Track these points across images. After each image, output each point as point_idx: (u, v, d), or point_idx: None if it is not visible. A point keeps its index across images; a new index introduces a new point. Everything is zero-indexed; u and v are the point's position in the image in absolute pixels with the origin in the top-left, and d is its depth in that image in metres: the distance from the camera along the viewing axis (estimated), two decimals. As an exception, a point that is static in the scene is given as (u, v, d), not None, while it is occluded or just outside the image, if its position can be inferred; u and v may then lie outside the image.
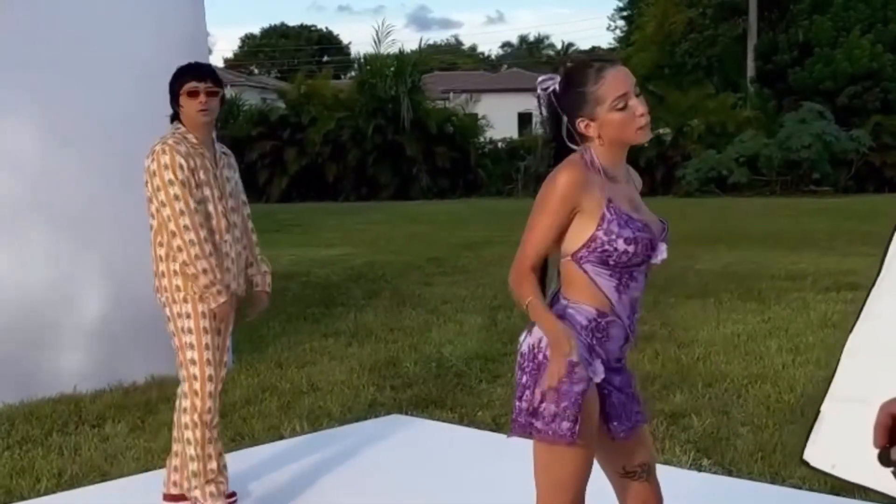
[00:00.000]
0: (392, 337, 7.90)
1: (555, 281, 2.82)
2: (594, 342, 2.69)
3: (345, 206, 24.08)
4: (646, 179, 23.76)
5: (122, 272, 6.43)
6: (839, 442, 2.92)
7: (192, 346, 3.99)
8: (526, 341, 2.74)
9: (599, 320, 2.69)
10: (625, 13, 48.05)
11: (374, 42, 29.41)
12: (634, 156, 19.55)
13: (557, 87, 2.77)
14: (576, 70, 2.80)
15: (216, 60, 70.61)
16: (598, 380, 2.69)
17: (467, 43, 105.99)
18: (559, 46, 72.35)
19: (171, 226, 3.88)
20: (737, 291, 9.88)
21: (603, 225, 2.65)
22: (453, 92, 37.78)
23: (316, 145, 26.43)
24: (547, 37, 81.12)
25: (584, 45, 68.68)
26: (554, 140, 2.80)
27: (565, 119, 2.75)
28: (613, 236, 2.64)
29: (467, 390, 6.24)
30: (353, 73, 32.13)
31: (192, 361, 4.01)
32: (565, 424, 2.62)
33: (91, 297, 6.39)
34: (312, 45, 68.70)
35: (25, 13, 6.17)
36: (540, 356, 2.68)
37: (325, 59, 62.17)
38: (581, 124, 2.71)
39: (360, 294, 10.10)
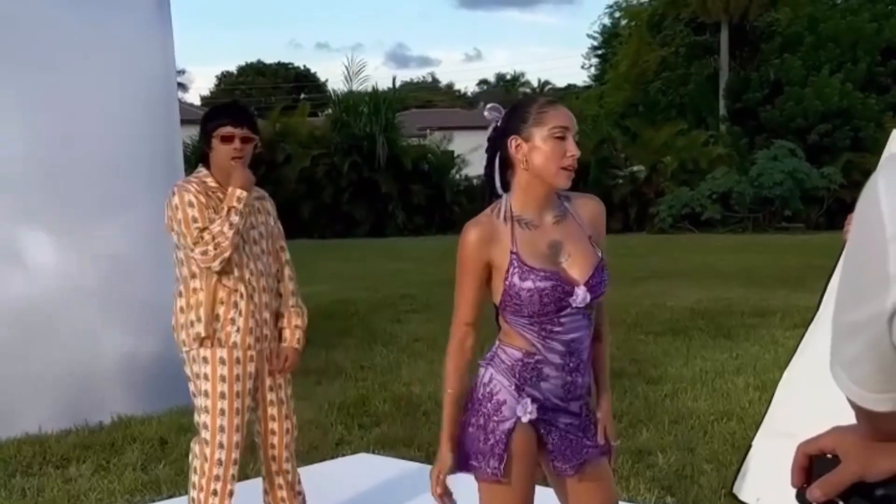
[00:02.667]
0: (362, 375, 7.90)
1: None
2: (523, 382, 2.72)
3: (320, 244, 24.02)
4: (620, 216, 23.98)
5: (89, 310, 6.41)
6: (766, 476, 2.94)
7: (206, 394, 3.83)
8: (477, 372, 2.78)
9: (527, 360, 2.72)
10: (599, 52, 48.48)
11: (346, 79, 29.50)
12: (609, 193, 19.60)
13: (500, 120, 2.79)
14: (526, 97, 2.85)
15: (193, 98, 70.62)
16: (526, 419, 2.71)
17: (445, 80, 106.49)
18: (535, 84, 72.88)
19: (181, 252, 3.81)
20: (707, 328, 9.93)
21: (508, 277, 2.68)
22: (430, 129, 37.88)
23: (291, 183, 26.42)
24: (522, 74, 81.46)
25: (560, 83, 69.05)
26: (487, 183, 2.82)
27: (497, 159, 2.77)
28: (516, 289, 2.67)
29: (436, 429, 6.20)
30: (329, 111, 32.09)
31: (206, 409, 3.84)
32: (492, 462, 2.70)
33: (58, 336, 6.35)
34: (289, 82, 68.83)
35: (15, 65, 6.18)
36: (477, 393, 2.73)
37: (303, 96, 62.20)
38: (513, 143, 2.72)
39: (332, 332, 10.07)
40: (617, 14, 44.47)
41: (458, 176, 30.25)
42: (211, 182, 3.86)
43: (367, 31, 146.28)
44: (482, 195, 2.85)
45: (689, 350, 8.76)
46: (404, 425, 6.32)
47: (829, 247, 18.68)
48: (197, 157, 4.00)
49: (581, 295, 2.72)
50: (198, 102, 63.71)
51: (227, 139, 3.84)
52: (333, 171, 27.49)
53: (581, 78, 79.94)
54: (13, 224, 6.19)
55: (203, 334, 3.82)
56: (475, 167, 32.00)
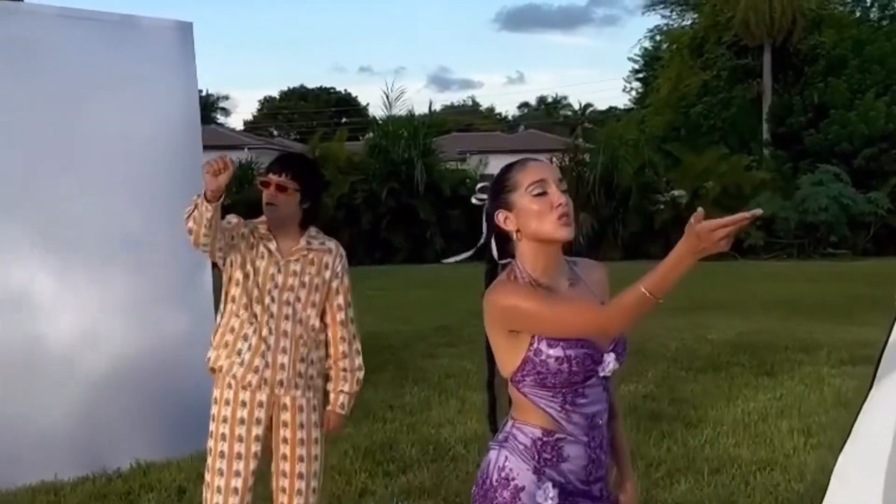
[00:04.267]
0: (391, 416, 7.67)
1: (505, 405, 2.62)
2: (543, 464, 2.46)
3: (358, 271, 23.78)
4: (661, 242, 23.65)
5: (107, 351, 6.25)
6: None
7: (211, 435, 3.78)
8: (487, 454, 2.54)
9: (546, 439, 2.46)
10: (640, 75, 48.21)
11: (385, 104, 29.44)
12: (650, 218, 19.37)
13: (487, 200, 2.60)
14: (502, 168, 2.62)
15: (236, 123, 71.35)
16: None
17: (487, 103, 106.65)
18: (576, 107, 72.67)
19: None
20: (749, 364, 9.61)
21: (533, 345, 2.43)
22: (469, 153, 37.80)
23: (329, 209, 26.33)
24: (565, 97, 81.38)
25: (601, 106, 68.89)
26: (485, 256, 2.60)
27: (493, 236, 2.56)
28: (543, 357, 2.42)
29: (463, 477, 5.97)
30: (370, 135, 32.09)
31: (209, 450, 3.79)
32: None
33: (75, 377, 6.18)
34: (331, 106, 69.18)
35: (16, 92, 6.04)
36: (491, 479, 2.48)
37: (344, 120, 62.50)
38: (500, 217, 2.51)
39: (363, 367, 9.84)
40: (658, 37, 44.25)
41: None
42: (263, 229, 3.82)
43: (409, 54, 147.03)
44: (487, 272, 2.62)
45: (731, 389, 8.45)
46: (431, 472, 6.08)
47: (877, 274, 18.41)
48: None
49: (611, 363, 2.49)
50: (240, 127, 64.40)
51: (264, 185, 3.78)
52: (372, 197, 27.39)
53: (622, 101, 79.66)
54: (24, 262, 6.02)
55: (210, 363, 3.83)
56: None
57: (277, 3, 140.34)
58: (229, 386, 3.77)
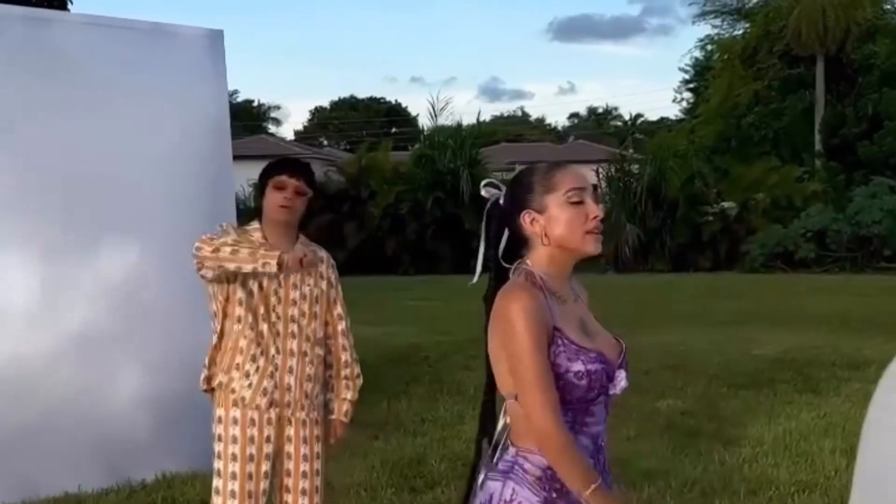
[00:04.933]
0: (422, 430, 7.54)
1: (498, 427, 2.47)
2: (553, 494, 2.31)
3: (402, 281, 23.83)
4: (709, 254, 23.32)
5: (131, 361, 6.19)
6: None
7: (218, 456, 3.67)
8: (487, 486, 2.39)
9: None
10: (691, 85, 47.78)
11: (431, 114, 29.38)
12: (698, 229, 19.07)
13: (503, 198, 2.46)
14: (525, 168, 2.49)
15: (287, 133, 71.79)
16: None
17: (537, 114, 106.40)
18: (627, 117, 72.24)
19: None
20: (793, 381, 9.36)
21: (550, 358, 2.28)
22: (518, 164, 37.65)
23: (375, 219, 26.32)
24: (615, 108, 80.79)
25: (652, 117, 68.41)
26: (492, 259, 2.47)
27: (506, 234, 2.43)
28: (562, 370, 2.27)
29: (491, 495, 5.83)
30: (417, 145, 32.08)
31: (217, 473, 3.67)
32: None
33: (100, 390, 6.12)
34: (381, 116, 69.36)
35: (46, 99, 6.01)
36: None
37: (394, 130, 62.66)
38: (526, 218, 2.36)
39: (399, 379, 9.76)
40: (709, 47, 43.81)
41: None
42: (258, 237, 3.69)
43: (461, 64, 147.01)
44: (493, 276, 2.49)
45: (773, 406, 8.21)
46: (458, 489, 5.93)
47: (931, 290, 17.75)
48: (258, 206, 3.84)
49: (623, 381, 2.37)
50: (291, 136, 64.78)
51: (279, 187, 3.68)
52: (417, 207, 27.32)
53: (673, 111, 79.05)
54: (47, 269, 5.98)
55: (205, 385, 3.73)
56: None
57: (331, 14, 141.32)
58: (235, 405, 3.67)
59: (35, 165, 5.94)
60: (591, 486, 2.20)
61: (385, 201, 26.64)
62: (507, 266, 2.45)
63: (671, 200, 26.97)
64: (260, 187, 3.77)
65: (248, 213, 27.20)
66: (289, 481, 3.78)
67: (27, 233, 5.91)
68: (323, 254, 3.87)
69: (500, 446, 2.45)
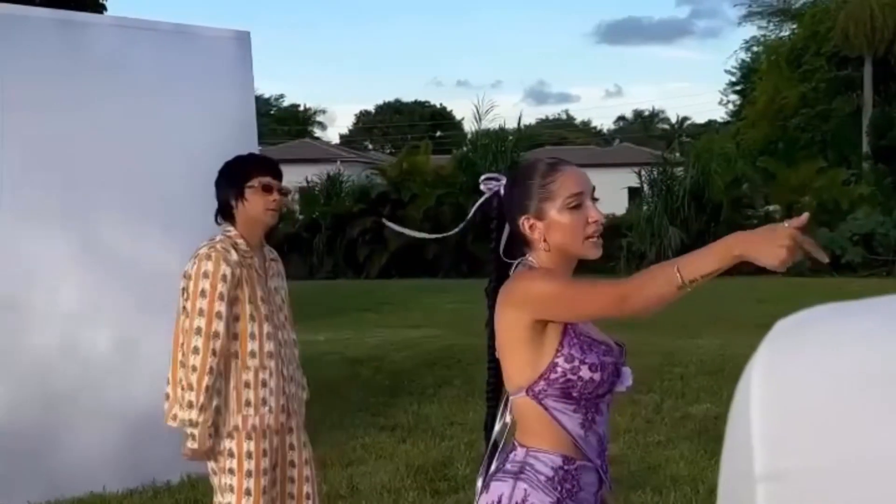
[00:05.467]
0: (450, 432, 7.49)
1: (499, 427, 2.43)
2: (564, 495, 2.27)
3: (443, 284, 23.76)
4: (752, 259, 23.15)
5: (157, 362, 6.19)
6: None
7: (230, 471, 3.54)
8: (493, 487, 2.35)
9: (567, 468, 2.27)
10: (737, 87, 47.33)
11: (475, 118, 29.31)
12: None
13: (503, 189, 2.43)
14: (525, 166, 2.47)
15: (332, 137, 72.12)
16: None
17: (584, 117, 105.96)
18: (674, 120, 71.70)
19: (182, 338, 3.47)
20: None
21: (563, 350, 2.24)
22: (561, 167, 37.49)
23: (416, 222, 26.29)
24: (662, 111, 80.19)
25: (699, 119, 67.86)
26: (493, 252, 2.44)
27: (506, 229, 2.40)
28: (577, 363, 2.24)
29: (515, 499, 5.78)
30: (464, 149, 32.00)
31: (230, 489, 3.55)
32: None
33: (125, 389, 6.15)
34: (425, 120, 69.46)
35: (72, 101, 6.05)
36: None
37: (438, 134, 62.71)
38: (525, 223, 2.34)
39: (431, 382, 9.72)
40: (755, 48, 43.38)
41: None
42: (243, 245, 3.56)
43: (507, 68, 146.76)
44: (494, 269, 2.47)
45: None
46: (483, 493, 5.89)
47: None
48: (222, 205, 3.67)
49: (629, 377, 2.35)
50: (336, 140, 65.06)
51: (266, 189, 3.58)
52: (458, 210, 27.26)
53: (719, 114, 78.25)
54: (77, 268, 6.01)
55: (236, 425, 3.54)
56: (603, 205, 31.48)
57: (378, 19, 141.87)
58: (249, 437, 3.56)
59: (62, 165, 5.98)
60: (675, 269, 2.06)
61: (426, 204, 26.60)
62: (508, 261, 2.43)
63: (715, 203, 26.68)
64: (235, 187, 3.59)
65: (286, 217, 27.32)
66: (293, 488, 3.72)
67: (59, 233, 5.94)
68: (274, 251, 3.83)
69: (502, 446, 2.42)
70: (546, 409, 2.28)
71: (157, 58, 6.32)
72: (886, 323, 0.61)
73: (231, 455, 3.54)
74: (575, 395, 2.25)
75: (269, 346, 3.57)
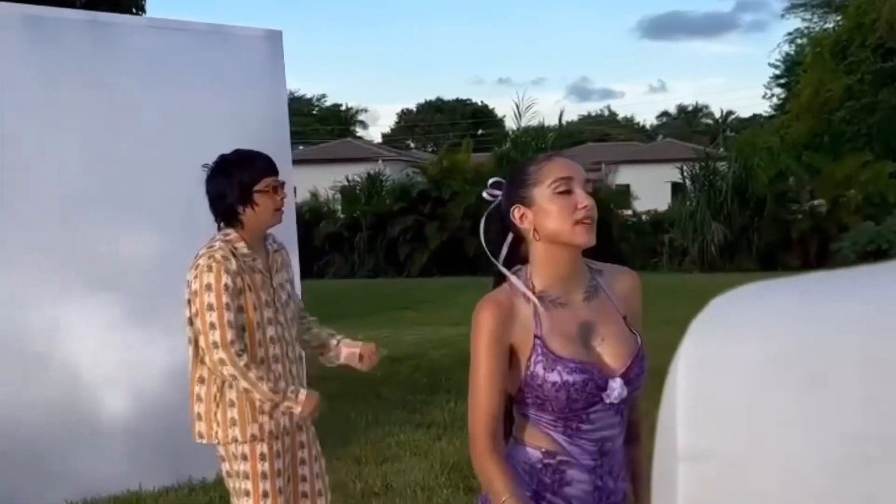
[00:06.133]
0: (486, 430, 7.47)
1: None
2: (542, 488, 2.25)
3: (483, 281, 23.66)
4: (798, 253, 22.71)
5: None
6: None
7: (247, 494, 3.54)
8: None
9: (547, 461, 2.26)
10: (781, 81, 46.85)
11: (515, 115, 29.25)
12: (787, 228, 18.54)
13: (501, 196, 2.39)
14: (521, 163, 2.43)
15: (375, 136, 72.37)
16: None
17: (627, 113, 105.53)
18: (717, 115, 71.09)
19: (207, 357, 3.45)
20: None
21: (529, 367, 2.23)
22: (604, 163, 37.40)
23: (456, 219, 26.31)
24: (706, 106, 79.62)
25: (744, 114, 67.26)
26: (492, 264, 2.41)
27: (509, 237, 2.36)
28: (539, 381, 2.22)
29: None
30: (505, 146, 31.93)
31: (245, 493, 3.54)
32: None
33: (161, 388, 6.18)
34: (466, 118, 69.48)
35: (104, 102, 6.10)
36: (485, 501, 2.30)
37: (480, 132, 62.68)
38: (515, 213, 2.30)
39: (468, 380, 9.67)
40: (799, 41, 42.89)
41: (627, 211, 29.60)
42: (243, 248, 3.50)
43: (549, 65, 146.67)
44: (495, 278, 2.43)
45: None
46: (517, 490, 5.86)
47: None
48: (226, 211, 3.57)
49: (617, 390, 2.27)
50: (378, 139, 65.27)
51: (275, 189, 3.55)
52: (499, 207, 27.25)
53: (763, 108, 77.41)
54: (115, 267, 6.06)
55: (253, 435, 3.51)
56: (645, 201, 31.28)
57: (420, 18, 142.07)
58: (262, 439, 3.55)
59: (92, 167, 6.02)
60: (503, 499, 2.17)
61: (466, 202, 26.57)
62: (504, 275, 2.39)
63: (759, 198, 26.43)
64: (241, 193, 3.51)
65: (328, 216, 27.41)
66: (305, 486, 3.72)
67: (98, 235, 6.00)
68: (279, 243, 3.79)
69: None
70: (527, 417, 2.29)
71: (189, 58, 6.35)
72: (800, 303, 0.59)
73: (244, 458, 3.53)
74: (548, 409, 2.24)
75: (274, 350, 3.56)
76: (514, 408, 2.32)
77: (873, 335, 0.55)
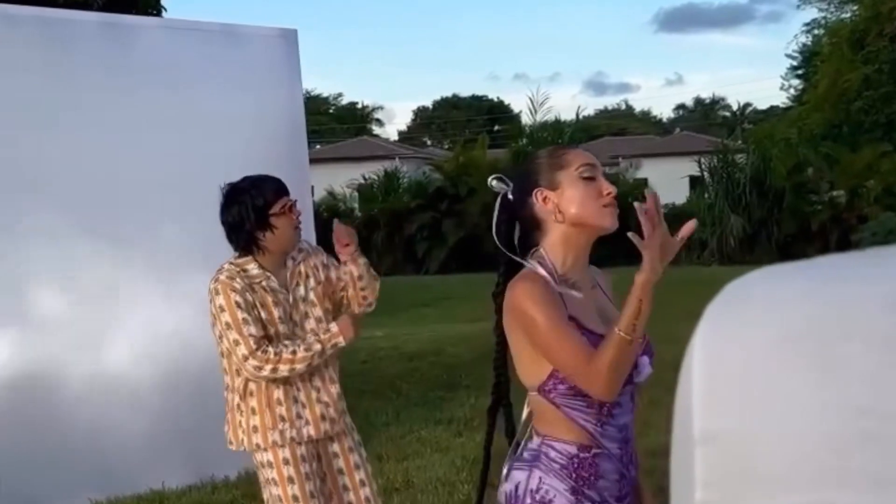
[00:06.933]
0: (507, 425, 7.47)
1: (523, 422, 2.42)
2: (580, 483, 2.25)
3: (502, 278, 23.78)
4: (818, 245, 22.60)
5: (213, 360, 6.25)
6: None
7: (279, 500, 3.55)
8: (512, 475, 2.34)
9: (583, 455, 2.26)
10: (799, 72, 46.64)
11: (530, 111, 29.22)
12: (806, 219, 18.40)
13: (510, 193, 2.39)
14: (529, 155, 2.46)
15: (390, 133, 72.47)
16: None
17: (644, 106, 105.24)
18: (735, 107, 70.80)
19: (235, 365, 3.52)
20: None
21: None
22: (621, 157, 37.32)
23: (473, 216, 26.30)
24: (723, 98, 79.31)
25: (761, 106, 66.94)
26: (501, 254, 2.41)
27: (518, 229, 2.36)
28: None
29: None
30: (521, 142, 31.90)
31: None
32: None
33: (183, 387, 6.22)
34: (482, 114, 69.45)
35: (118, 104, 6.13)
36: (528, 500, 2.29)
37: (497, 128, 62.64)
38: (538, 196, 2.30)
39: (488, 374, 9.65)
40: (816, 32, 42.67)
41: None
42: (254, 270, 3.53)
43: (565, 59, 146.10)
44: (502, 273, 2.43)
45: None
46: (539, 485, 5.87)
47: None
48: (247, 239, 3.56)
49: (646, 367, 2.30)
50: (395, 137, 65.37)
51: (290, 209, 3.55)
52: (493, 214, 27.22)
53: (780, 99, 77.10)
54: (122, 270, 6.09)
55: (274, 441, 3.55)
56: (663, 195, 31.18)
57: (435, 15, 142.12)
58: (282, 445, 3.58)
59: (105, 168, 6.05)
60: (624, 333, 2.13)
61: (483, 198, 26.55)
62: (519, 261, 2.39)
63: (777, 190, 26.33)
64: (259, 220, 3.50)
65: (345, 214, 27.43)
66: (349, 496, 3.72)
67: (100, 232, 6.03)
68: (304, 244, 3.77)
69: (525, 436, 2.41)
70: (557, 406, 2.27)
71: (204, 58, 6.38)
72: (813, 283, 0.60)
73: (270, 465, 3.57)
74: (584, 393, 2.22)
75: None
76: (536, 401, 2.31)
77: (887, 314, 0.56)
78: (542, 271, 2.29)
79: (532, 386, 2.31)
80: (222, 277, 3.49)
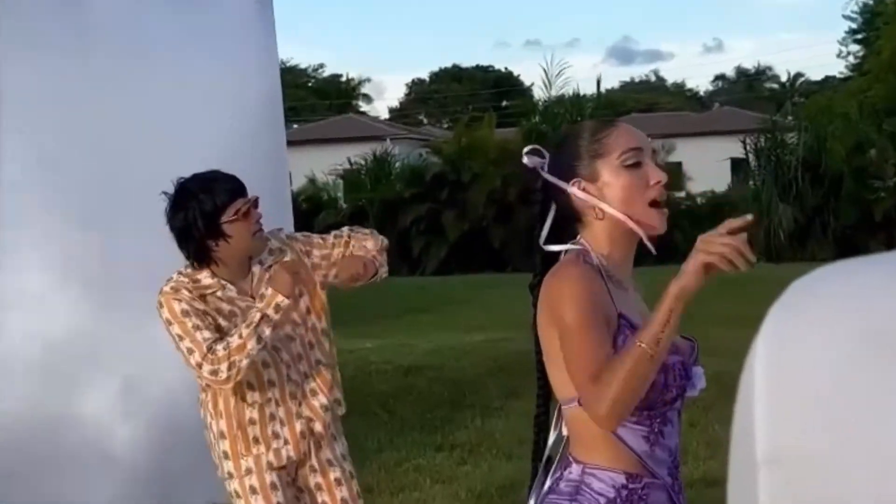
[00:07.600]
0: (519, 452, 7.47)
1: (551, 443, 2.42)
2: None
3: (511, 278, 23.73)
4: (883, 236, 22.65)
5: (177, 383, 6.30)
6: None
7: None
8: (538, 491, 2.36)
9: (633, 487, 2.26)
10: (858, 36, 46.70)
11: (544, 83, 29.20)
12: (868, 208, 18.42)
13: (546, 165, 2.40)
14: (572, 127, 2.46)
15: (381, 110, 72.48)
16: None
17: (676, 78, 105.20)
18: (784, 78, 70.84)
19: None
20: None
21: (616, 349, 2.23)
22: (651, 137, 37.25)
23: (478, 207, 26.33)
24: (769, 68, 79.18)
25: (815, 76, 66.96)
26: (536, 240, 2.43)
27: (553, 208, 2.38)
28: None
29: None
30: (534, 119, 31.88)
31: None
32: None
33: (144, 414, 6.26)
34: (488, 88, 69.48)
35: (76, 69, 6.15)
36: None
37: (504, 103, 62.63)
38: (577, 187, 2.31)
39: (497, 393, 9.74)
40: (879, -12, 42.76)
41: (681, 193, 29.50)
42: (207, 279, 3.57)
43: (585, 23, 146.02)
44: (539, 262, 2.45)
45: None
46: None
47: None
48: (197, 249, 3.62)
49: (700, 377, 2.32)
50: (385, 115, 65.34)
51: (246, 213, 3.55)
52: (528, 191, 27.22)
53: (837, 68, 77.05)
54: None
55: (237, 473, 3.62)
56: (701, 181, 31.18)
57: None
58: (248, 473, 3.64)
59: (68, 146, 6.09)
60: (647, 346, 2.11)
61: (490, 185, 26.61)
62: (554, 249, 2.41)
63: (834, 174, 26.36)
64: (209, 229, 3.52)
65: (329, 204, 27.41)
66: (323, 496, 3.76)
67: (75, 230, 6.08)
68: (274, 238, 3.79)
69: (557, 461, 2.41)
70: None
71: (166, 24, 6.40)
72: (891, 279, 0.60)
73: (238, 496, 3.64)
74: (637, 404, 2.23)
75: (268, 375, 3.62)
76: (573, 416, 2.30)
77: None
78: (592, 256, 2.31)
79: (568, 398, 2.29)
80: (165, 289, 3.53)
